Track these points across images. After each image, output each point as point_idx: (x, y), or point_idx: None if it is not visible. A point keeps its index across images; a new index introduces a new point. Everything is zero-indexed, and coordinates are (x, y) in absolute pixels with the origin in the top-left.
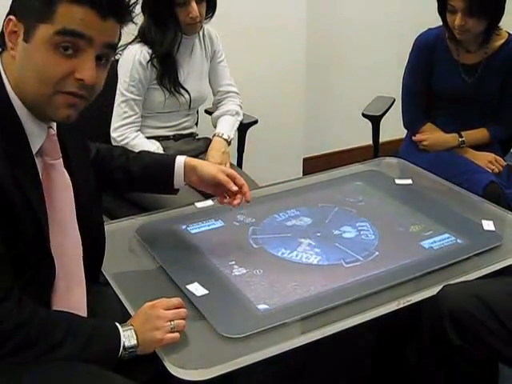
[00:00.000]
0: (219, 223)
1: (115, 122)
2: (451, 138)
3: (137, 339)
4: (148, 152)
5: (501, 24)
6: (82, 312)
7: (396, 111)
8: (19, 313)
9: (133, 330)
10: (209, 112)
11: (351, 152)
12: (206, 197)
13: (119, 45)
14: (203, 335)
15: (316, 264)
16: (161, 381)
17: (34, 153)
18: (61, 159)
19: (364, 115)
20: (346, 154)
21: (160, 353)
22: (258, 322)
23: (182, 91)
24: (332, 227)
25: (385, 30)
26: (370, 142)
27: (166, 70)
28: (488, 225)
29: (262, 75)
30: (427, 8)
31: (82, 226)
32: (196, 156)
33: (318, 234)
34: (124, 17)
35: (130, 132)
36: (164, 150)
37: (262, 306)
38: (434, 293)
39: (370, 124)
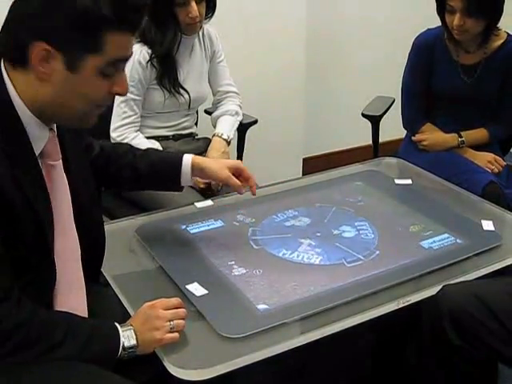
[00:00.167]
0: (219, 223)
1: (115, 122)
2: (451, 138)
3: (136, 339)
4: (155, 150)
5: (500, 25)
6: (83, 313)
7: (396, 111)
8: (19, 313)
9: (132, 330)
10: (208, 112)
11: (351, 152)
12: (206, 197)
13: None
14: (203, 335)
15: (318, 264)
16: (160, 381)
17: (36, 154)
18: (61, 160)
19: (364, 115)
20: (346, 154)
21: (159, 353)
22: (257, 322)
23: (182, 91)
24: (331, 227)
25: (385, 30)
26: (370, 142)
27: (165, 70)
28: (487, 225)
29: (261, 75)
30: (427, 8)
31: (82, 226)
32: None
33: (318, 234)
34: None
35: (129, 132)
36: None
37: (261, 306)
38: (434, 293)
39: (369, 124)
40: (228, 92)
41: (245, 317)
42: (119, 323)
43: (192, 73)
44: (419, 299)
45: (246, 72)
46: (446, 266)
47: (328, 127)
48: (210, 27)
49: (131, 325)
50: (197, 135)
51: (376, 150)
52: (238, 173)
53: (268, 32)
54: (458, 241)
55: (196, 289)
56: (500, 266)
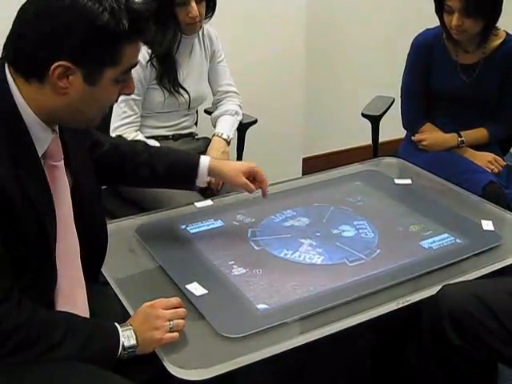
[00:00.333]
0: (219, 223)
1: (114, 122)
2: (450, 138)
3: (136, 339)
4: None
5: (499, 24)
6: (84, 313)
7: (395, 111)
8: (19, 313)
9: (132, 330)
10: (208, 112)
11: (350, 152)
12: (206, 196)
13: None
14: (202, 335)
15: (320, 264)
16: (160, 381)
17: (40, 155)
18: (62, 160)
19: (363, 115)
20: (346, 154)
21: (159, 352)
22: (257, 322)
23: (182, 91)
24: (330, 226)
25: (385, 30)
26: (370, 142)
27: (165, 70)
28: (487, 225)
29: (261, 75)
30: (427, 8)
31: (84, 224)
32: None
33: (318, 234)
34: None
35: (129, 132)
36: None
37: (261, 306)
38: (434, 293)
39: (369, 124)
40: (228, 92)
41: (244, 317)
42: (119, 323)
43: (192, 73)
44: (419, 299)
45: (246, 72)
46: (445, 266)
47: (328, 127)
48: (209, 27)
49: (131, 324)
50: (197, 135)
51: (376, 149)
52: (252, 175)
53: (268, 32)
54: (457, 241)
55: (196, 288)
56: (500, 266)
